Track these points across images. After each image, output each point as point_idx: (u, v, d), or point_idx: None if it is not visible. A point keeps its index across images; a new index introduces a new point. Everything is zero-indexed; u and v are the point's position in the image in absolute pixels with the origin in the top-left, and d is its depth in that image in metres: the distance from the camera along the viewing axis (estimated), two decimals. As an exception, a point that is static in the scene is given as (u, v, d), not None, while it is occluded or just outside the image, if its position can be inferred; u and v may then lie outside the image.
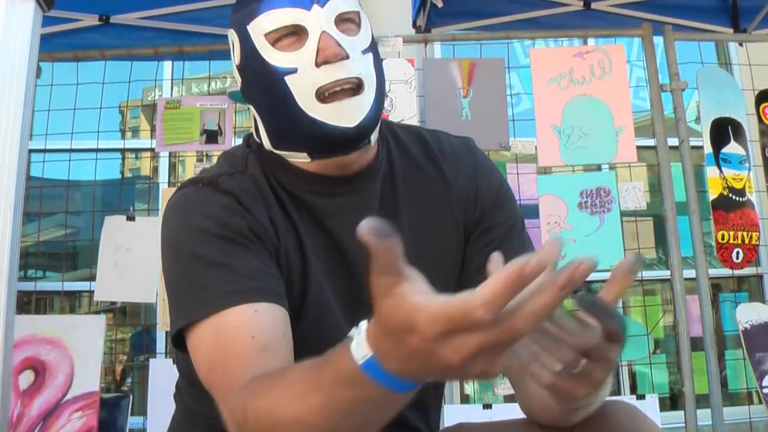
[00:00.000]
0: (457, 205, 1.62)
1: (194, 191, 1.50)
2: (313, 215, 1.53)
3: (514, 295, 0.82)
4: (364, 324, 0.96)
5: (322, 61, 1.41)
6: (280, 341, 1.32)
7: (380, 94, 1.50)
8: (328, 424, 1.06)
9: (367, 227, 0.89)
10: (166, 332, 5.17)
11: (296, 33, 1.45)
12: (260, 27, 1.47)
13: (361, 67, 1.45)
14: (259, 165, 1.55)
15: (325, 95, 1.43)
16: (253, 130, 1.60)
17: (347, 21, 1.48)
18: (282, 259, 1.47)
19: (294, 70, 1.43)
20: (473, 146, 1.73)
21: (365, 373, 0.94)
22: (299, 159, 1.52)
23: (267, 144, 1.55)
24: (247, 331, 1.30)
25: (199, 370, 1.34)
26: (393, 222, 1.57)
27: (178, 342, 1.40)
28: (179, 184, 1.58)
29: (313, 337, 1.39)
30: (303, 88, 1.43)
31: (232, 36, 1.55)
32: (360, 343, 0.95)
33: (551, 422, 1.36)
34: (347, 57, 1.43)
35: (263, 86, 1.49)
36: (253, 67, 1.49)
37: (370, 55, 1.48)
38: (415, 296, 0.86)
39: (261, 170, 1.54)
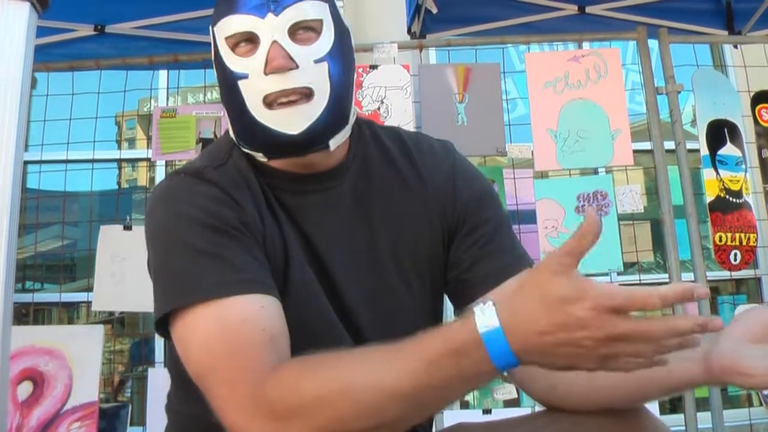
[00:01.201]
0: (433, 204, 1.64)
1: (178, 181, 1.51)
2: (286, 211, 1.55)
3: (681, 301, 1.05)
4: (491, 301, 1.10)
5: (269, 71, 1.45)
6: (284, 334, 1.35)
7: (337, 101, 1.51)
8: (415, 390, 1.14)
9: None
10: (165, 342, 5.17)
11: (251, 40, 1.49)
12: (222, 30, 1.52)
13: (311, 77, 1.47)
14: (242, 156, 1.58)
15: (272, 103, 1.46)
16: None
17: (305, 29, 1.50)
18: (269, 247, 1.48)
19: (246, 76, 1.48)
20: (451, 148, 1.75)
21: (482, 341, 1.09)
22: (258, 157, 1.55)
23: (234, 139, 1.59)
24: (256, 323, 1.31)
25: (192, 356, 1.33)
26: (366, 220, 1.59)
27: (161, 328, 1.41)
28: (163, 179, 1.59)
29: (295, 321, 1.40)
30: (252, 94, 1.47)
31: (210, 36, 1.59)
32: (488, 314, 1.09)
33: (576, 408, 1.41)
34: (297, 67, 1.46)
35: (224, 87, 1.53)
36: (217, 67, 1.54)
37: (324, 65, 1.50)
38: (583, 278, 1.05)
39: (246, 161, 1.57)
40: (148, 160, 4.77)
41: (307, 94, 1.47)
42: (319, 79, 1.48)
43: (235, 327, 1.30)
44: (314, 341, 1.36)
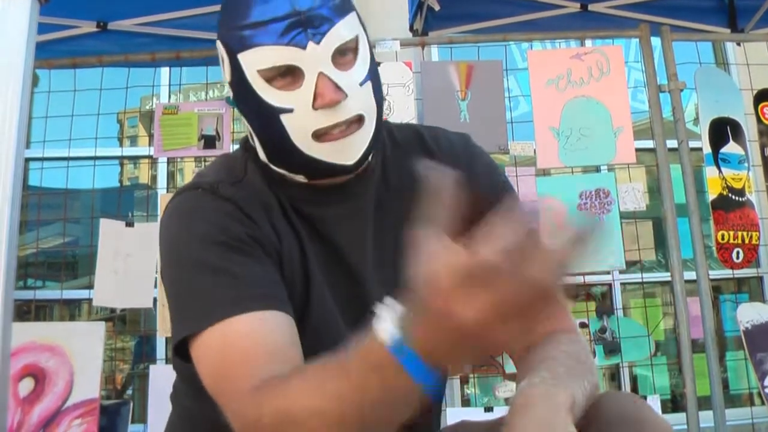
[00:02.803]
0: None
1: (194, 196, 1.47)
2: (311, 224, 1.51)
3: (518, 236, 0.86)
4: (393, 303, 0.99)
5: (319, 106, 1.37)
6: (290, 346, 1.31)
7: (380, 118, 1.47)
8: (347, 413, 1.07)
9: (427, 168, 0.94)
10: (166, 338, 5.16)
11: (292, 72, 1.39)
12: (253, 61, 1.41)
13: (360, 102, 1.41)
14: (258, 171, 1.52)
15: (322, 135, 1.40)
16: (248, 134, 1.57)
17: (345, 52, 1.42)
18: (286, 265, 1.45)
19: (290, 110, 1.39)
20: (470, 141, 1.71)
21: (393, 355, 0.96)
22: (296, 178, 1.50)
23: (262, 156, 1.52)
24: (255, 338, 1.28)
25: (205, 380, 1.31)
26: (390, 225, 1.56)
27: (181, 350, 1.37)
28: (177, 189, 1.55)
29: (315, 343, 1.36)
30: (299, 129, 1.39)
31: (220, 50, 1.48)
32: (389, 322, 0.98)
33: None
34: (346, 96, 1.38)
35: (257, 117, 1.45)
36: (246, 96, 1.44)
37: (368, 85, 1.44)
38: (441, 252, 0.90)
39: (261, 177, 1.52)
40: (150, 157, 4.76)
41: (357, 121, 1.41)
42: (367, 104, 1.43)
43: (235, 343, 1.28)
44: None
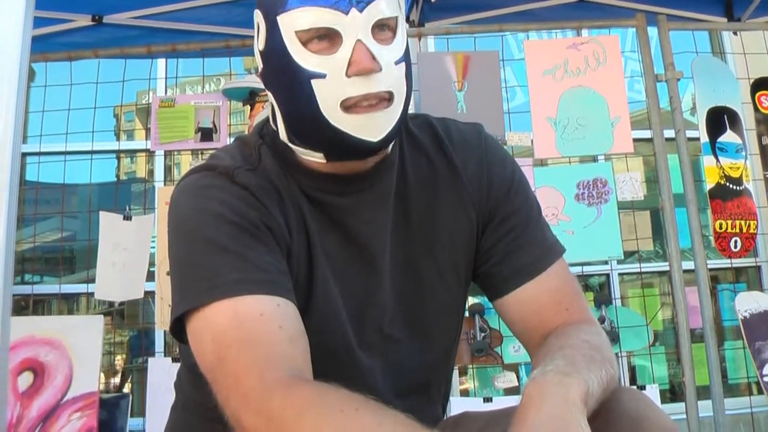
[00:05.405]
0: (468, 194, 1.59)
1: (209, 177, 1.45)
2: (327, 214, 1.49)
3: None
4: None
5: (353, 73, 1.35)
6: (304, 336, 1.30)
7: (407, 102, 1.45)
8: None
9: None
10: (165, 331, 5.16)
11: (329, 36, 1.37)
12: (292, 22, 1.38)
13: (392, 79, 1.39)
14: (273, 159, 1.50)
15: (350, 107, 1.37)
16: (270, 116, 1.55)
17: (385, 28, 1.40)
18: (293, 261, 1.43)
19: (323, 75, 1.37)
20: (483, 133, 1.68)
21: None
22: (314, 158, 1.47)
23: (283, 135, 1.50)
24: (273, 319, 1.27)
25: (204, 348, 1.30)
26: (404, 216, 1.55)
27: (177, 328, 1.37)
28: (191, 168, 1.52)
29: (315, 344, 1.35)
30: (329, 96, 1.37)
31: (258, 17, 1.46)
32: None
33: None
34: (380, 69, 1.36)
35: (287, 83, 1.41)
36: (279, 60, 1.41)
37: (402, 66, 1.42)
38: None
39: (275, 165, 1.49)
40: (147, 150, 4.75)
41: (387, 99, 1.39)
42: (398, 83, 1.40)
43: (250, 321, 1.26)
44: (331, 362, 1.35)
